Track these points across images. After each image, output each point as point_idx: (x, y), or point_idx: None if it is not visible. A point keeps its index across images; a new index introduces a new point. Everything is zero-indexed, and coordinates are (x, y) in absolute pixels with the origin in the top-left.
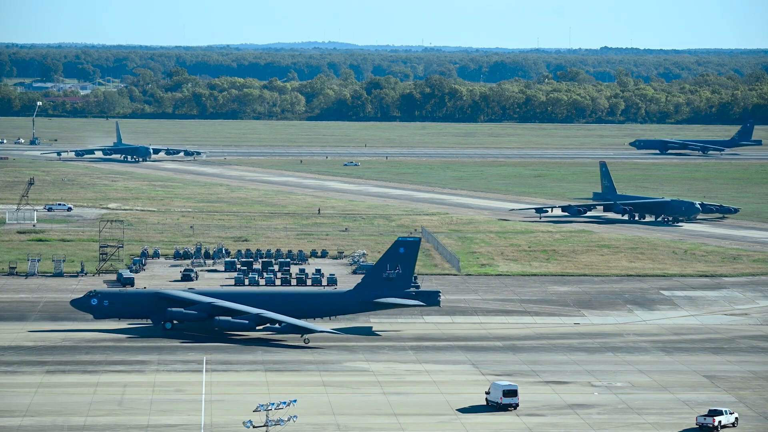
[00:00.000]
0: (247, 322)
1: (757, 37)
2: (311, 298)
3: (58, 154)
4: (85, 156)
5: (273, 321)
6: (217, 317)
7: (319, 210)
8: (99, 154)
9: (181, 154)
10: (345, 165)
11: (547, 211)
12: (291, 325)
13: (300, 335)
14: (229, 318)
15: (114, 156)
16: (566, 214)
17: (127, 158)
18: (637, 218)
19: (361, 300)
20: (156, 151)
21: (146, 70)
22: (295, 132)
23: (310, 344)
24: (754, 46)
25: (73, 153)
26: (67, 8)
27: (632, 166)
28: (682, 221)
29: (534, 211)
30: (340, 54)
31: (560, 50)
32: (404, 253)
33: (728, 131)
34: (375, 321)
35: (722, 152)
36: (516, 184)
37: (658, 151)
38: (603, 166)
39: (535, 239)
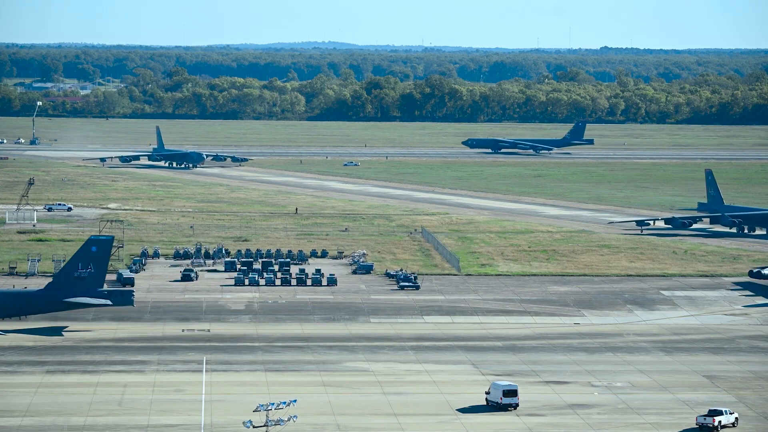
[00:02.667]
0: None
1: (757, 37)
2: None
3: (102, 160)
4: (132, 162)
5: None
6: None
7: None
8: (144, 160)
9: (228, 160)
10: (345, 165)
11: (649, 224)
12: None
13: None
14: None
15: (160, 163)
16: (669, 226)
17: (172, 164)
18: (746, 231)
19: (51, 300)
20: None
21: (146, 70)
22: (295, 132)
23: (310, 344)
24: (754, 46)
25: (118, 159)
26: (67, 8)
27: (632, 166)
28: None
29: (635, 223)
30: (340, 54)
31: (560, 50)
32: (97, 251)
33: (728, 131)
34: (375, 321)
35: (551, 151)
36: (516, 184)
37: (490, 150)
38: (709, 174)
39: (535, 239)
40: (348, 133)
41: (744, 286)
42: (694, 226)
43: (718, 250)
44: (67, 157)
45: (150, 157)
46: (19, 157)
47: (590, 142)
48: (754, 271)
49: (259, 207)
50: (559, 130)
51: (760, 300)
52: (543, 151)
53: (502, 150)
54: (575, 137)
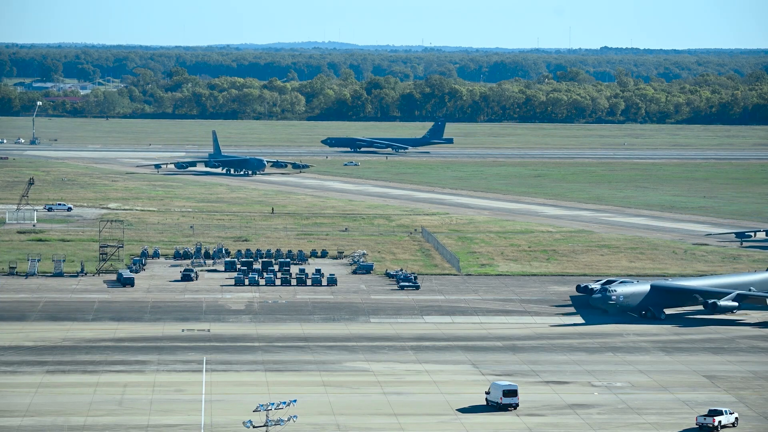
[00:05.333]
0: None
1: (757, 37)
2: None
3: (157, 167)
4: (188, 169)
5: None
6: None
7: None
8: (201, 167)
9: (289, 166)
10: (345, 165)
11: (750, 236)
12: None
13: None
14: None
15: (218, 169)
16: None
17: (230, 171)
18: None
19: None
20: None
21: (146, 70)
22: (295, 132)
23: (310, 344)
24: (754, 46)
25: (173, 165)
26: (67, 8)
27: (632, 166)
28: None
29: (734, 235)
30: (340, 54)
31: (560, 50)
32: None
33: (728, 131)
34: (375, 321)
35: (406, 150)
36: (516, 184)
37: (349, 149)
38: None
39: (535, 239)
40: (348, 133)
41: (572, 300)
42: None
43: (718, 250)
44: (68, 157)
45: (207, 164)
46: (19, 157)
47: (449, 141)
48: (582, 285)
49: (259, 207)
50: (421, 130)
51: (575, 320)
52: (400, 150)
53: (361, 149)
54: (435, 136)
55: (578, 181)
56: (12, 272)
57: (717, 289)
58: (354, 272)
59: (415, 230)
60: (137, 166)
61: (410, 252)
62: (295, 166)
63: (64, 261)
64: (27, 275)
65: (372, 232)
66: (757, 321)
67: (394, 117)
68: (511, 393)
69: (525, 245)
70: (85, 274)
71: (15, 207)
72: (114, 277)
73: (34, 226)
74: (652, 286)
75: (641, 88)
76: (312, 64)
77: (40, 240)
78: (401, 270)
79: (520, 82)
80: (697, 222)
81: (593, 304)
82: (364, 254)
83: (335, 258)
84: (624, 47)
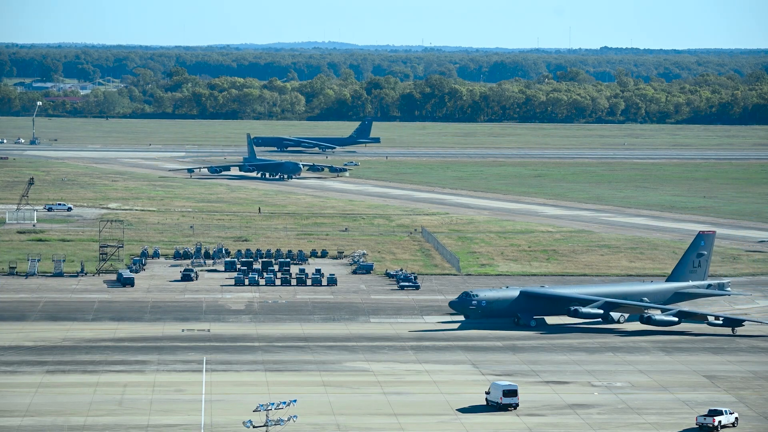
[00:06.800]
0: None
1: (757, 37)
2: None
3: (190, 171)
4: (222, 173)
5: None
6: None
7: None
8: (235, 171)
9: (326, 170)
10: (345, 165)
11: None
12: None
13: None
14: None
15: (252, 173)
16: None
17: (265, 175)
18: None
19: None
20: None
21: (146, 70)
22: (295, 132)
23: (310, 344)
24: (754, 46)
25: (207, 169)
26: (67, 8)
27: (632, 166)
28: None
29: None
30: (340, 54)
31: (560, 50)
32: None
33: (728, 131)
34: (375, 321)
35: (334, 150)
36: (516, 184)
37: (276, 149)
38: None
39: (535, 239)
40: (348, 133)
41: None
42: None
43: (718, 250)
44: (68, 157)
45: (241, 168)
46: (19, 157)
47: (376, 140)
48: (468, 291)
49: (259, 207)
50: (346, 130)
51: (450, 326)
52: (327, 150)
53: (288, 149)
54: (362, 135)
55: (578, 181)
56: (12, 272)
57: (585, 297)
58: (354, 272)
59: (415, 230)
60: (169, 170)
61: (410, 252)
62: (332, 169)
63: (64, 261)
64: (27, 275)
65: (372, 232)
66: (633, 330)
67: (394, 117)
68: (511, 393)
69: (525, 245)
70: (85, 274)
71: (15, 207)
72: (114, 277)
73: (34, 226)
74: (521, 292)
75: (641, 88)
76: (312, 64)
77: (40, 240)
78: (401, 270)
79: (520, 82)
80: (697, 222)
81: (454, 309)
82: (364, 254)
83: (335, 258)
84: (624, 47)
